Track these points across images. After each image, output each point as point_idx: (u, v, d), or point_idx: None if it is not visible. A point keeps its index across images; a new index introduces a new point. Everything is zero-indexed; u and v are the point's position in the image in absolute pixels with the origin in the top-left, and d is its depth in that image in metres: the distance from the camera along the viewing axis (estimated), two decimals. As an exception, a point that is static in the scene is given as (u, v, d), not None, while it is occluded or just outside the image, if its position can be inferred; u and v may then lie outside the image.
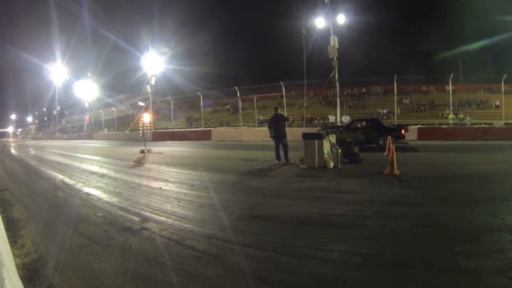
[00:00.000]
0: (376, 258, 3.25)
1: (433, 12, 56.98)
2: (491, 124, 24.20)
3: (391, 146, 8.62)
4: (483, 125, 22.83)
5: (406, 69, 38.82)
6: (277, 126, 10.53)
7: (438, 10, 53.56)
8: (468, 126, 24.38)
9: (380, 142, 14.15)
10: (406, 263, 3.11)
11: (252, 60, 65.09)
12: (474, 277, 2.81)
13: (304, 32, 25.07)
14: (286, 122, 10.87)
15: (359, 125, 16.02)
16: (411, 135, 18.92)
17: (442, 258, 3.19)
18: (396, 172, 7.78)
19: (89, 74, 47.85)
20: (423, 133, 20.57)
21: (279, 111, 11.10)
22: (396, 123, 22.69)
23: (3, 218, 4.54)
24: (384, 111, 33.60)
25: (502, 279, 2.74)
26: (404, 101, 35.99)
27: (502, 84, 24.88)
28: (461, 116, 28.89)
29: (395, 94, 27.70)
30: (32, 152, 21.27)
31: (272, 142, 10.63)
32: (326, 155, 9.23)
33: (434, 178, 7.49)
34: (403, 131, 14.88)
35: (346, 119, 25.47)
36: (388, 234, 3.89)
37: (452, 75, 24.95)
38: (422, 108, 34.30)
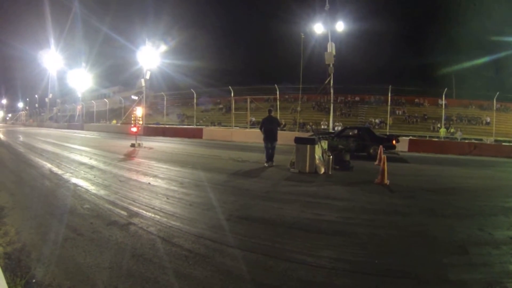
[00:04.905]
0: (365, 266, 3.24)
1: (433, 25, 57.46)
2: (481, 140, 24.43)
3: (383, 155, 8.64)
4: (473, 141, 23.03)
5: (400, 80, 39.14)
6: (270, 128, 10.53)
7: (439, 24, 54.05)
8: (459, 140, 24.61)
9: (371, 151, 14.21)
10: (394, 272, 3.11)
11: (249, 60, 64.95)
12: (462, 289, 2.81)
13: (302, 36, 25.11)
14: (278, 126, 10.88)
15: (350, 133, 16.01)
16: (402, 146, 19.03)
17: (431, 269, 3.21)
18: (386, 181, 7.81)
19: (83, 64, 47.25)
20: (414, 145, 20.68)
21: (273, 113, 11.09)
22: (387, 133, 22.83)
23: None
24: (377, 120, 33.83)
25: (489, 292, 2.75)
26: (397, 112, 36.26)
27: (494, 101, 25.14)
28: (452, 130, 29.19)
29: (389, 104, 27.81)
30: (21, 138, 20.95)
31: (261, 144, 10.60)
32: (317, 161, 9.22)
33: (424, 189, 7.53)
34: (394, 142, 14.92)
35: (339, 126, 25.51)
36: (378, 243, 3.89)
37: (446, 89, 25.13)
38: (414, 120, 34.62)
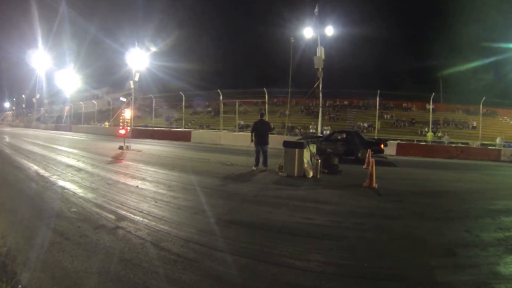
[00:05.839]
0: (354, 269, 3.26)
1: (422, 31, 58.24)
2: (467, 144, 24.81)
3: (371, 159, 8.71)
4: (460, 145, 23.36)
5: (389, 84, 39.53)
6: (261, 132, 10.51)
7: (428, 29, 54.83)
8: (446, 144, 24.93)
9: (360, 155, 14.32)
10: (383, 275, 3.14)
11: (238, 64, 65.07)
12: (450, 291, 2.85)
13: (292, 40, 25.21)
14: (269, 130, 10.88)
15: (339, 137, 16.10)
16: (390, 150, 19.23)
17: (419, 272, 3.25)
18: (375, 185, 7.88)
19: (72, 64, 46.76)
20: (401, 149, 20.92)
21: (265, 117, 11.08)
22: (376, 137, 23.03)
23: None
24: (365, 124, 34.09)
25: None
26: (385, 116, 36.59)
27: (481, 106, 25.54)
28: (439, 134, 29.57)
29: (377, 108, 28.10)
30: (7, 139, 20.58)
31: (252, 148, 10.58)
32: (305, 165, 9.25)
33: (412, 193, 7.63)
34: (382, 146, 15.08)
35: (327, 130, 25.64)
36: (366, 246, 3.92)
37: (433, 94, 25.48)
38: (402, 124, 34.99)
